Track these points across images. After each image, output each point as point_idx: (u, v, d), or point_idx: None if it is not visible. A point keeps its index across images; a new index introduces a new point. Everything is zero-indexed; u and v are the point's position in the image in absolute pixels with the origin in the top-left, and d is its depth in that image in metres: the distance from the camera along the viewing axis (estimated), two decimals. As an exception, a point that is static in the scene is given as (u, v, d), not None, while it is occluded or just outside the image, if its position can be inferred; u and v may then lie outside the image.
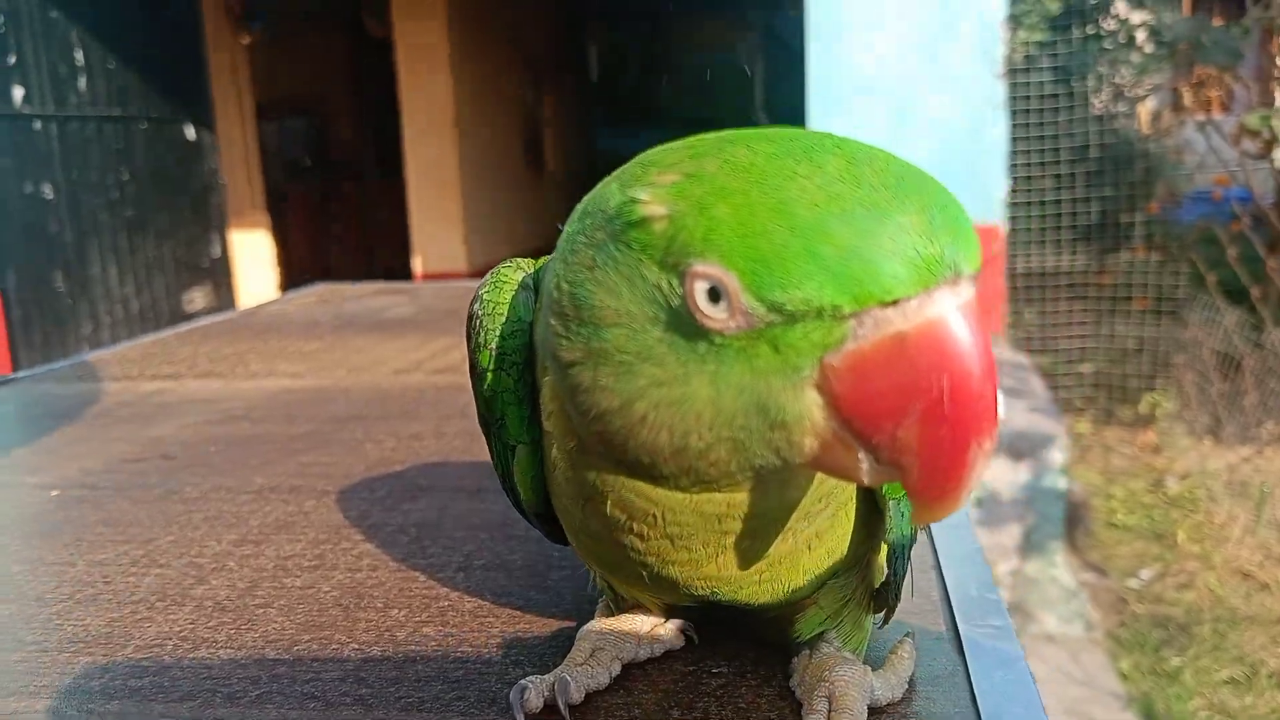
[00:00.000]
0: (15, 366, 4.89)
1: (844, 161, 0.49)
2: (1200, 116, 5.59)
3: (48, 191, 5.32)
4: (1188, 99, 5.61)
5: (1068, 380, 5.64)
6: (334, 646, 0.80)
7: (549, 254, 0.65)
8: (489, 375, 0.70)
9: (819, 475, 0.60)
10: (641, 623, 0.74)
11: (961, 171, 4.93)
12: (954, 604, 0.82)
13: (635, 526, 0.61)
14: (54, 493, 1.23)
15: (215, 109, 6.91)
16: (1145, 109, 6.02)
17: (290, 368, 1.94)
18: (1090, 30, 5.65)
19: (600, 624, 0.74)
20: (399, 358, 1.98)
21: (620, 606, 0.75)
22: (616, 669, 0.71)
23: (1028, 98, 5.57)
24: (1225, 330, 4.63)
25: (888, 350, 0.47)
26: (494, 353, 0.69)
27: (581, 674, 0.69)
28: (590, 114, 12.36)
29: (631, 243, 0.52)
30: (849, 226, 0.46)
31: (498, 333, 0.69)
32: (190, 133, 6.47)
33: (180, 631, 0.84)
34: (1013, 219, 5.60)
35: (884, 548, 0.70)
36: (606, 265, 0.53)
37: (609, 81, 12.71)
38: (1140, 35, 5.56)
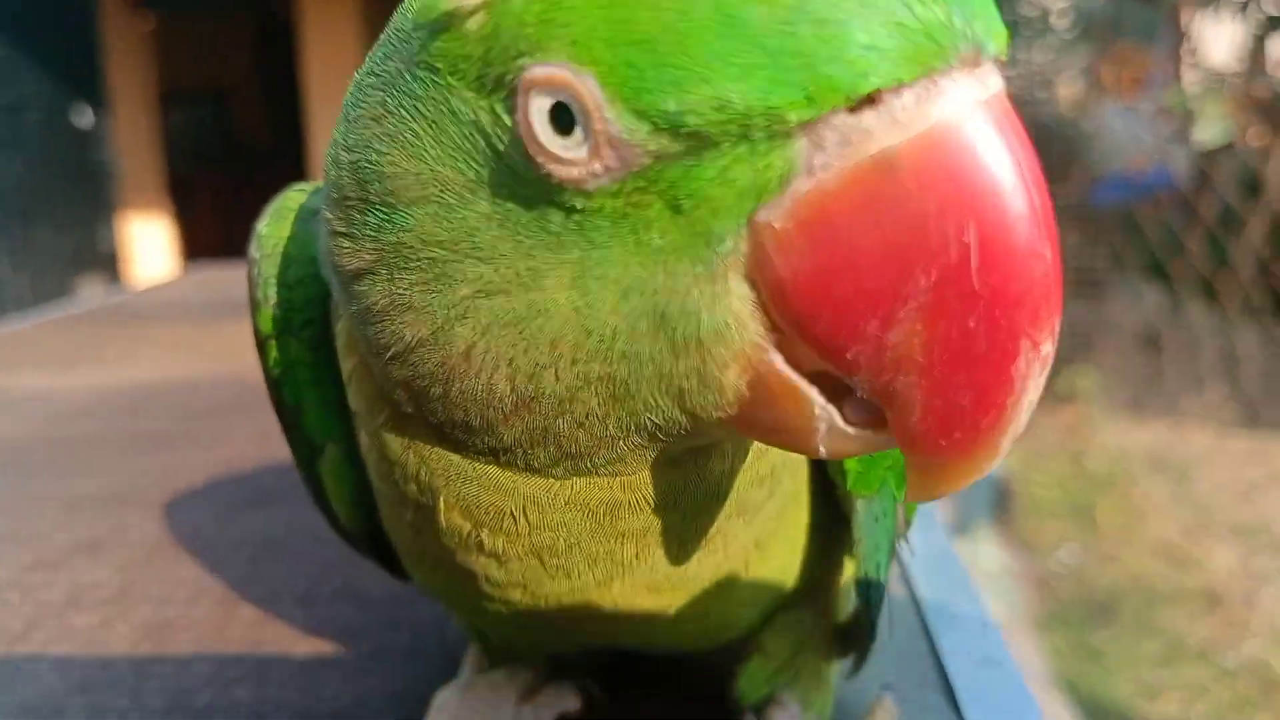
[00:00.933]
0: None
1: None
2: (1118, 98, 5.58)
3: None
4: (1106, 77, 5.59)
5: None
6: (109, 718, 0.59)
7: None
8: (273, 345, 0.48)
9: (753, 444, 0.40)
10: (520, 680, 0.53)
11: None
12: (938, 640, 0.63)
13: (487, 540, 0.40)
14: None
15: (115, 95, 6.62)
16: (1065, 91, 5.99)
17: (150, 356, 1.71)
18: (1008, 15, 5.61)
19: (464, 685, 0.53)
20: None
21: (494, 656, 0.55)
22: (486, 747, 0.51)
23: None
24: (1145, 308, 4.58)
25: (867, 185, 0.27)
26: (278, 312, 0.47)
27: (434, 761, 0.49)
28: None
29: (436, 61, 0.31)
30: None
31: (280, 282, 0.47)
32: (85, 119, 6.19)
33: (-84, 696, 0.63)
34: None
35: (850, 566, 0.50)
36: (402, 109, 0.32)
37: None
38: (1058, 19, 5.55)
